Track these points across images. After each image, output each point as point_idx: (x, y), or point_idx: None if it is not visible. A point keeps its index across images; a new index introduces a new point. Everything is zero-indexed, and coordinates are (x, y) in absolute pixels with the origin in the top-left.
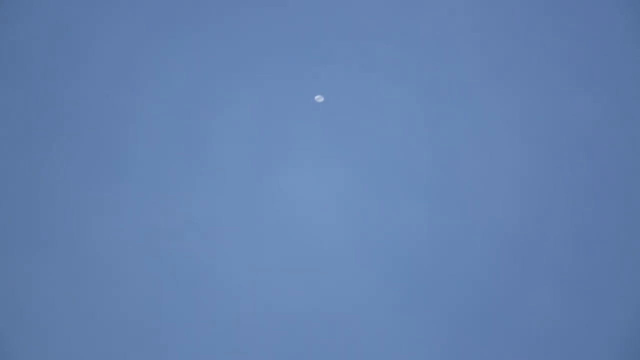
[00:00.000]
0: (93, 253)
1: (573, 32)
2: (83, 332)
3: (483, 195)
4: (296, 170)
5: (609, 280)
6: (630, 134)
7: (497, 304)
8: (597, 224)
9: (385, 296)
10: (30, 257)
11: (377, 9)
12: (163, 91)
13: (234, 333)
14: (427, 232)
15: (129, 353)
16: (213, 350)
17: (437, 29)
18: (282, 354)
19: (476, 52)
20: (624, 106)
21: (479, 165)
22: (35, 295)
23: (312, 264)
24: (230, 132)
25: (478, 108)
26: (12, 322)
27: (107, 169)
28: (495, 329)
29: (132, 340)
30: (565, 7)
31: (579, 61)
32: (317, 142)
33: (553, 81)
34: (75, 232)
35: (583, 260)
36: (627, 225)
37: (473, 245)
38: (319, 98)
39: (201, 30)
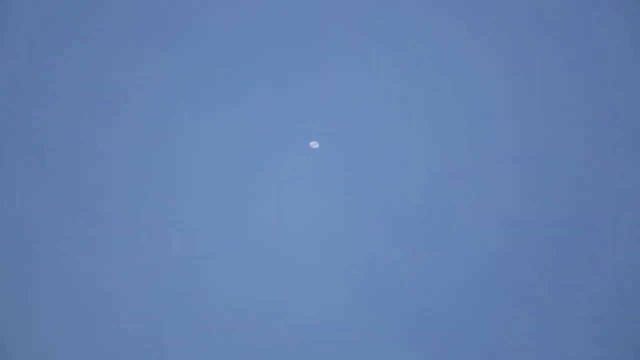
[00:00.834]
0: (82, 291)
1: (569, 65)
2: None
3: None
4: (277, 194)
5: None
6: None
7: (463, 329)
8: (585, 264)
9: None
10: (23, 299)
11: (372, 39)
12: (145, 125)
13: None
14: (401, 258)
15: None
16: None
17: (430, 69)
18: None
19: (472, 89)
20: (613, 143)
21: (454, 199)
22: (27, 339)
23: (295, 293)
24: (213, 164)
25: (472, 148)
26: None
27: (92, 210)
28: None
29: None
30: (559, 39)
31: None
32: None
33: (545, 114)
34: (64, 271)
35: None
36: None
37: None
38: (314, 144)
39: (168, 63)
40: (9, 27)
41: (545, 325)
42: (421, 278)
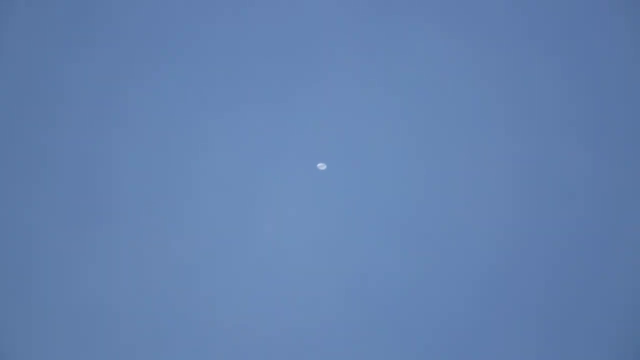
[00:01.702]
0: (85, 297)
1: (571, 73)
2: None
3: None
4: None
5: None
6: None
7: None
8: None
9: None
10: (21, 304)
11: (372, 52)
12: (147, 134)
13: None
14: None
15: None
16: None
17: (431, 79)
18: None
19: (472, 97)
20: (618, 155)
21: (455, 211)
22: (26, 343)
23: (294, 300)
24: (214, 172)
25: (472, 152)
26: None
27: (93, 214)
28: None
29: None
30: (559, 42)
31: (576, 107)
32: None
33: (548, 125)
34: (63, 276)
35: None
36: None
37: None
38: (321, 166)
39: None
40: (12, 30)
41: (551, 340)
42: (422, 287)
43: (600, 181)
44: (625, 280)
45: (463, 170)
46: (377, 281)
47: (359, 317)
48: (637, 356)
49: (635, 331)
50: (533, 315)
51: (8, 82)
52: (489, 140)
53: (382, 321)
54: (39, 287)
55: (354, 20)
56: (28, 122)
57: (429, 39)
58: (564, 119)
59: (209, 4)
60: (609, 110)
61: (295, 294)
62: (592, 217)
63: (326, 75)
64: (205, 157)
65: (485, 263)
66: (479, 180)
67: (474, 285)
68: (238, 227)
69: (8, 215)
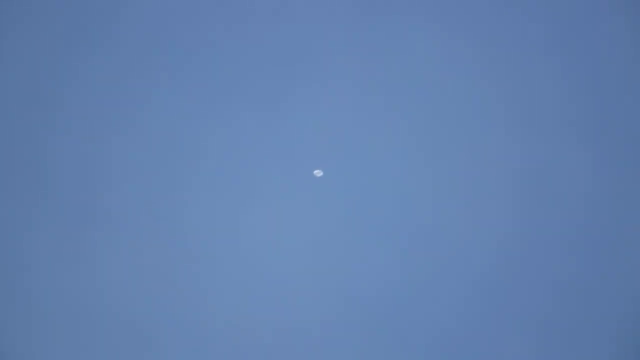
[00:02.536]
0: (84, 297)
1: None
2: None
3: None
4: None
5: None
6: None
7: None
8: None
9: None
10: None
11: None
12: (146, 138)
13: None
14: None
15: None
16: None
17: (430, 80)
18: None
19: (474, 98)
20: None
21: (456, 221)
22: (25, 343)
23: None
24: (201, 179)
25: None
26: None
27: (88, 217)
28: None
29: None
30: (558, 42)
31: (577, 107)
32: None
33: (550, 125)
34: (64, 279)
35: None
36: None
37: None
38: (317, 172)
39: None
40: (14, 32)
41: (551, 342)
42: (421, 289)
43: (600, 181)
44: (625, 280)
45: (462, 171)
46: (375, 284)
47: (356, 320)
48: (637, 356)
49: (635, 332)
50: (533, 316)
51: (9, 84)
52: (488, 141)
53: (380, 324)
54: (38, 287)
55: (353, 22)
56: (29, 124)
57: (428, 40)
58: (564, 119)
59: (208, 9)
60: (609, 110)
61: (293, 296)
62: (591, 217)
63: (325, 77)
64: (204, 160)
65: (484, 265)
66: (479, 181)
67: (473, 286)
68: (236, 229)
69: (8, 215)
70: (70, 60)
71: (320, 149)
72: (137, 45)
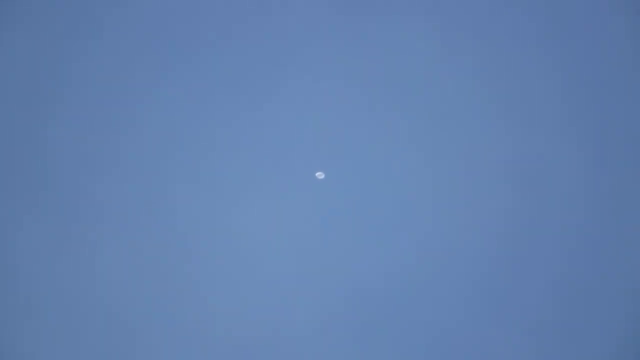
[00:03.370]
0: (83, 297)
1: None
2: None
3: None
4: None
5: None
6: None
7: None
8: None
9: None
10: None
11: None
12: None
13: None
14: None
15: None
16: None
17: (428, 80)
18: None
19: (471, 98)
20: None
21: (455, 224)
22: (26, 347)
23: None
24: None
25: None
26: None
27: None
28: None
29: None
30: (558, 42)
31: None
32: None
33: (544, 123)
34: (64, 279)
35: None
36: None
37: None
38: (319, 175)
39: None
40: (15, 30)
41: (551, 341)
42: (421, 289)
43: (599, 181)
44: (625, 280)
45: (461, 171)
46: (375, 284)
47: (356, 320)
48: (637, 356)
49: (635, 331)
50: (533, 315)
51: (7, 81)
52: (488, 141)
53: (380, 325)
54: (33, 284)
55: (353, 22)
56: (27, 121)
57: (427, 39)
58: (564, 119)
59: (208, 9)
60: (608, 110)
61: (293, 296)
62: (591, 217)
63: (324, 77)
64: (202, 159)
65: (484, 264)
66: (478, 181)
67: (473, 286)
68: (233, 228)
69: (3, 212)
70: (68, 58)
71: (319, 148)
72: (135, 43)
